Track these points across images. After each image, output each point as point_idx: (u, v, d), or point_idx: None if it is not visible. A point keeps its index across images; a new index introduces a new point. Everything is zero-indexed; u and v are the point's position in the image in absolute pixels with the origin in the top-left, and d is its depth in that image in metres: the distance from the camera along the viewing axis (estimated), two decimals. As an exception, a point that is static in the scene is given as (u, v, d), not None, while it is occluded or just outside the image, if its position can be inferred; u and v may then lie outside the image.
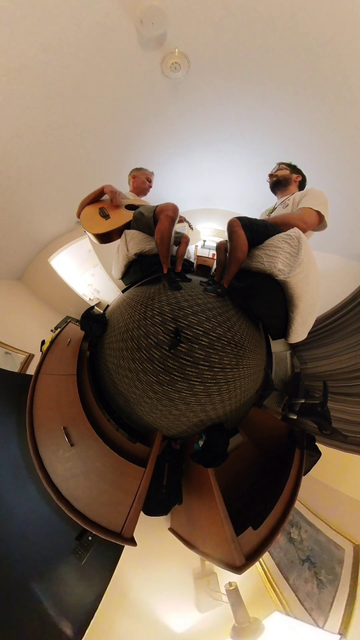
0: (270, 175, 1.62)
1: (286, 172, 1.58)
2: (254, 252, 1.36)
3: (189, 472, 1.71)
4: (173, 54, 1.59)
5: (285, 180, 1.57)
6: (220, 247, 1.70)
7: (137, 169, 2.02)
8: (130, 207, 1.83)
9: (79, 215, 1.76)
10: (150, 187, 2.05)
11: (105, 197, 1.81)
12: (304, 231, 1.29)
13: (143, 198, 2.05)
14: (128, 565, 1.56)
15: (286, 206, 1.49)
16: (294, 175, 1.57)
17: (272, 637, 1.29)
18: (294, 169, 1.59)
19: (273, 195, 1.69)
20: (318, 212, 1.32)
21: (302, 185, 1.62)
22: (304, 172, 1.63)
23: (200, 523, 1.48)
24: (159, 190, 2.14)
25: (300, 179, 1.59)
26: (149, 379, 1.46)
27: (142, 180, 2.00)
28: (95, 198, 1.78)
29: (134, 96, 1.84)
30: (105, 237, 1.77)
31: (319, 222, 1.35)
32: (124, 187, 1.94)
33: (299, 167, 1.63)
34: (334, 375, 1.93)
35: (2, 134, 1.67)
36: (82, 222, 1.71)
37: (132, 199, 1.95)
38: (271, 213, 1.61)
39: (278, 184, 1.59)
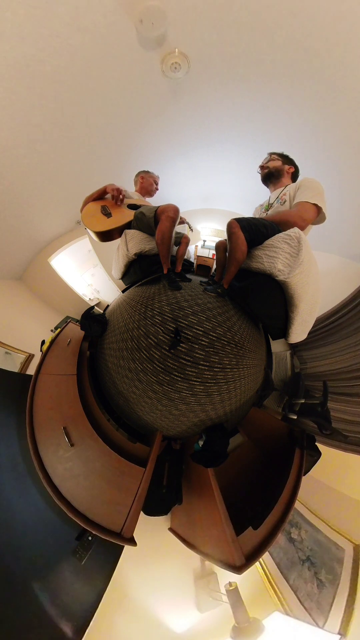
0: (262, 167, 1.54)
1: (278, 162, 1.50)
2: (254, 252, 1.36)
3: (189, 472, 1.71)
4: (173, 54, 1.59)
5: (277, 171, 1.50)
6: (219, 247, 1.70)
7: (145, 172, 2.05)
8: (132, 206, 1.83)
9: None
10: (157, 189, 2.09)
11: (109, 195, 1.81)
12: (303, 228, 1.27)
13: (148, 200, 2.06)
14: (128, 565, 1.56)
15: (284, 202, 1.44)
16: (286, 167, 1.50)
17: (272, 637, 1.29)
18: (286, 159, 1.51)
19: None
20: (315, 205, 1.28)
21: (294, 176, 1.56)
22: (302, 173, 1.57)
23: (200, 523, 1.48)
24: (159, 190, 2.14)
25: (292, 170, 1.51)
26: (149, 378, 1.46)
27: (149, 183, 2.04)
28: (99, 196, 1.79)
29: (134, 96, 1.84)
30: (105, 236, 1.77)
31: (317, 215, 1.31)
32: (126, 187, 1.94)
33: (296, 162, 1.57)
34: (334, 375, 1.93)
35: (2, 134, 1.67)
36: (83, 219, 1.71)
37: (137, 198, 1.96)
38: (268, 210, 1.58)
39: (270, 176, 1.52)
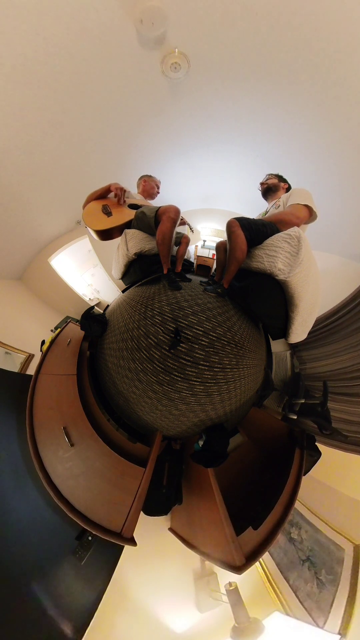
0: (262, 184, 1.79)
1: (275, 180, 1.76)
2: (254, 252, 1.36)
3: (189, 472, 1.71)
4: (173, 54, 1.59)
5: (275, 187, 1.74)
6: (220, 247, 1.71)
7: (148, 176, 2.10)
8: (133, 206, 1.84)
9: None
10: (158, 193, 2.13)
11: (111, 194, 1.82)
12: (297, 225, 1.34)
13: (150, 202, 2.08)
14: (128, 565, 1.56)
15: (278, 207, 1.57)
16: (282, 183, 1.74)
17: (272, 637, 1.29)
18: (281, 178, 1.77)
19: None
20: (306, 206, 1.40)
21: (288, 191, 1.75)
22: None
23: (200, 523, 1.48)
24: (160, 189, 2.14)
25: (287, 186, 1.75)
26: (149, 378, 1.46)
27: (151, 186, 2.08)
28: (102, 195, 1.80)
29: (134, 96, 1.84)
30: (105, 234, 1.78)
31: (309, 215, 1.43)
32: (128, 188, 1.95)
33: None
34: (334, 375, 1.93)
35: (2, 134, 1.67)
36: (84, 217, 1.72)
37: (139, 199, 1.98)
38: (264, 215, 1.68)
39: (269, 191, 1.76)
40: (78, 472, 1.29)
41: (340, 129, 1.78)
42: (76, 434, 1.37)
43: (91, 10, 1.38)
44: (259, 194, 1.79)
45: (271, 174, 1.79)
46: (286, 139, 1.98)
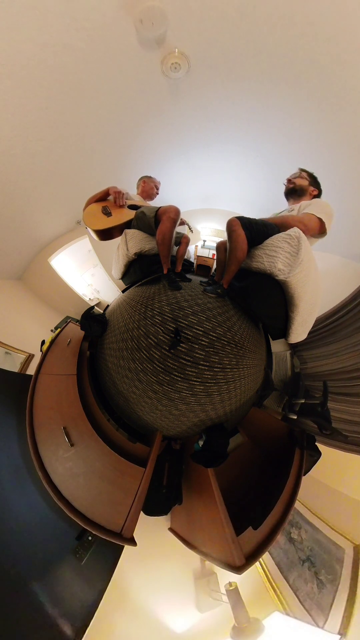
0: (289, 181, 1.55)
1: (305, 182, 1.51)
2: (253, 252, 1.36)
3: (189, 472, 1.71)
4: (173, 54, 1.59)
5: (301, 190, 1.51)
6: (220, 247, 1.71)
7: (147, 177, 2.11)
8: (133, 206, 1.84)
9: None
10: (157, 194, 2.14)
11: (111, 197, 1.82)
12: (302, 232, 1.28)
13: (149, 203, 2.08)
14: (128, 565, 1.56)
15: (291, 211, 1.47)
16: (311, 188, 1.50)
17: (272, 637, 1.29)
18: (314, 181, 1.52)
19: (274, 195, 1.65)
20: (320, 219, 1.30)
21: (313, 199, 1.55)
22: (299, 165, 1.56)
23: (200, 523, 1.48)
24: (160, 190, 2.15)
25: (316, 192, 1.52)
26: (149, 378, 1.46)
27: (151, 187, 2.09)
28: (101, 198, 1.81)
29: (134, 96, 1.84)
30: (105, 234, 1.78)
31: (319, 229, 1.32)
32: (127, 188, 1.95)
33: (295, 170, 1.57)
34: (334, 375, 1.94)
35: (1, 134, 1.67)
36: (84, 218, 1.73)
37: (138, 200, 1.98)
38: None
39: (293, 192, 1.53)
40: (78, 472, 1.29)
41: (340, 129, 1.78)
42: (76, 434, 1.37)
43: (91, 10, 1.38)
44: (260, 194, 1.75)
45: (304, 171, 1.51)
46: (286, 138, 1.98)
